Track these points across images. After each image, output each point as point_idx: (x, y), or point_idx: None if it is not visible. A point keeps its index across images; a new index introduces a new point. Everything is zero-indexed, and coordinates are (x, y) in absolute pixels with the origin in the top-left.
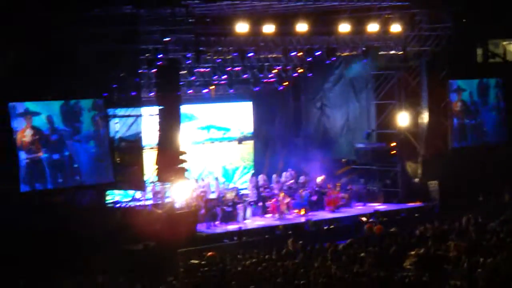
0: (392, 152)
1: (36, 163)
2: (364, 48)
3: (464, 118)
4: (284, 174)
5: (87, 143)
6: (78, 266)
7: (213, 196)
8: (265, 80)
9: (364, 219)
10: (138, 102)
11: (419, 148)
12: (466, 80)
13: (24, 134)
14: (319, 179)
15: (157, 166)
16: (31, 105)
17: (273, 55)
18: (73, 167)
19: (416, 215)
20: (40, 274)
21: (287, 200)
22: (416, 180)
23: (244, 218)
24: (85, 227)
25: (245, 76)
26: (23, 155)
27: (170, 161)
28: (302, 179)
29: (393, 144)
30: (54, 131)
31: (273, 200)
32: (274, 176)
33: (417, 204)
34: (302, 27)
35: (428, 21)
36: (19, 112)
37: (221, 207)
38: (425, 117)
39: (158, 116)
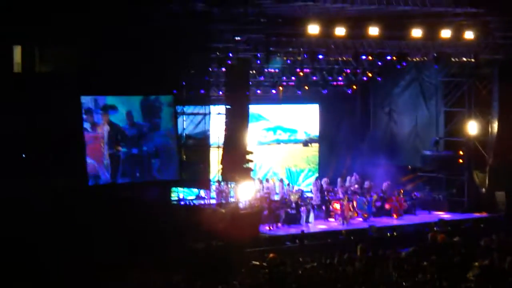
0: (460, 161)
1: (113, 158)
2: (435, 54)
3: None
4: (348, 178)
5: (165, 139)
6: (141, 261)
7: (277, 197)
8: (334, 83)
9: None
10: (206, 100)
11: (487, 158)
12: None
13: (102, 129)
14: (384, 185)
15: (222, 165)
16: (110, 99)
17: (343, 58)
18: (150, 162)
19: (482, 225)
20: (105, 266)
21: (351, 205)
22: (483, 190)
23: (307, 221)
24: (150, 223)
25: (314, 78)
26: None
27: (236, 160)
28: (367, 184)
29: (461, 152)
30: (133, 125)
31: (337, 204)
32: (339, 180)
33: (483, 214)
34: (373, 30)
35: (502, 29)
36: (98, 106)
37: (285, 209)
38: (495, 127)
39: (226, 115)
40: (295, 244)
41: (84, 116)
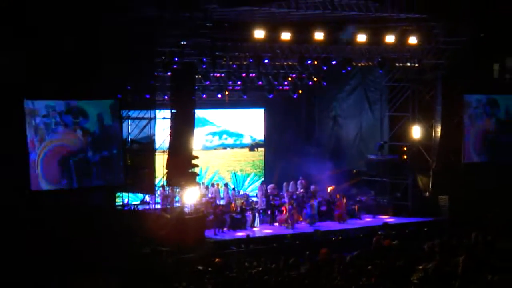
0: (403, 160)
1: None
2: (380, 59)
3: (477, 133)
4: (292, 183)
5: (104, 144)
6: (85, 267)
7: (222, 202)
8: (279, 88)
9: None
10: (152, 105)
11: (431, 162)
12: (481, 95)
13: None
14: (329, 189)
15: (168, 170)
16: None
17: (289, 63)
18: (91, 167)
19: (425, 229)
20: (48, 274)
21: (296, 209)
22: (427, 194)
23: (253, 226)
24: (94, 228)
25: (259, 82)
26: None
27: (181, 165)
28: (312, 188)
29: (405, 156)
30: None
31: (283, 208)
32: (284, 184)
33: (427, 218)
34: (319, 35)
35: (445, 34)
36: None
37: (230, 214)
38: (438, 131)
39: (171, 119)
40: (240, 249)
41: (33, 121)
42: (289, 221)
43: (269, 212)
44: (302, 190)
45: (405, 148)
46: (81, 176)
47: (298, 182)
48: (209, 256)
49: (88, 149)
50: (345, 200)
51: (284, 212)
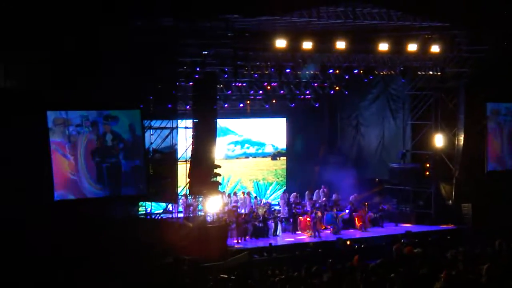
0: (426, 173)
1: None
2: (402, 68)
3: (500, 142)
4: (316, 191)
5: (127, 154)
6: (108, 277)
7: (244, 211)
8: (301, 97)
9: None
10: (174, 115)
11: (454, 170)
12: (505, 104)
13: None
14: (352, 197)
15: (190, 179)
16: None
17: (311, 72)
18: (114, 177)
19: (448, 237)
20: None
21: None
22: (450, 202)
23: (275, 235)
24: (116, 238)
25: (281, 92)
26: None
27: (203, 174)
28: (334, 197)
29: (428, 165)
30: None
31: (305, 217)
32: (306, 193)
33: (450, 226)
34: (340, 44)
35: (468, 43)
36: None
37: (252, 223)
38: (461, 139)
39: (193, 129)
40: (263, 257)
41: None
42: (312, 230)
43: (291, 220)
44: (324, 199)
45: (428, 165)
46: (112, 183)
47: (320, 190)
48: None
49: (121, 157)
50: (367, 209)
51: (307, 220)
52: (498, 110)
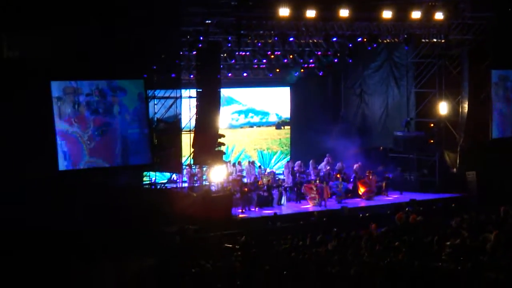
0: (431, 141)
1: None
2: (406, 36)
3: (505, 108)
4: (321, 161)
5: (130, 124)
6: (114, 246)
7: (249, 180)
8: (305, 65)
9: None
10: (177, 84)
11: (458, 138)
12: (509, 71)
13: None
14: (356, 166)
15: (194, 149)
16: (71, 84)
17: (314, 40)
18: (118, 147)
19: (453, 205)
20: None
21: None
22: (454, 170)
23: (280, 204)
24: (121, 207)
25: (285, 60)
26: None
27: (207, 144)
28: (338, 166)
29: (432, 133)
30: (98, 110)
31: (309, 185)
32: (311, 162)
33: (455, 194)
34: (344, 12)
35: (472, 10)
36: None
37: (257, 192)
38: (465, 107)
39: (197, 98)
40: (267, 226)
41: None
42: (319, 198)
43: (295, 189)
44: (328, 167)
45: (432, 125)
46: (119, 152)
47: (325, 159)
48: (237, 234)
49: (128, 127)
50: (372, 177)
51: (310, 189)
52: (506, 76)
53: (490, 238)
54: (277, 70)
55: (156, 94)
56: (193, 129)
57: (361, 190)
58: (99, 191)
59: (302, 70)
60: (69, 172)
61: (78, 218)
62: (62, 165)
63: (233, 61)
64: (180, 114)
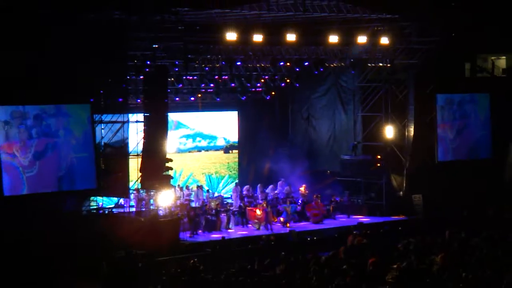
0: (377, 165)
1: (20, 167)
2: (352, 60)
3: (450, 132)
4: (269, 186)
5: (75, 148)
6: (59, 272)
7: (197, 204)
8: (252, 90)
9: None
10: (125, 108)
11: (404, 161)
12: (454, 94)
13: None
14: (302, 188)
15: (142, 173)
16: (18, 108)
17: (261, 65)
18: (64, 172)
19: (400, 228)
20: (21, 279)
21: (271, 210)
22: (401, 193)
23: (227, 228)
24: (68, 233)
25: (232, 85)
26: (7, 159)
27: (155, 168)
28: (286, 189)
29: (379, 156)
30: (44, 134)
31: (257, 209)
32: (259, 186)
33: (401, 217)
34: (291, 37)
35: (417, 34)
36: (6, 116)
37: (205, 216)
38: (411, 130)
39: (144, 123)
40: (215, 251)
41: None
42: (264, 222)
43: (243, 213)
44: (276, 191)
45: (378, 157)
46: (64, 177)
47: (279, 183)
48: (185, 258)
49: (73, 151)
50: (319, 201)
51: (257, 213)
52: (451, 100)
53: (436, 260)
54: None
55: (103, 119)
56: (141, 154)
57: (309, 213)
58: (45, 217)
59: (249, 94)
60: (14, 198)
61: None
62: (7, 190)
63: (181, 85)
64: (128, 138)
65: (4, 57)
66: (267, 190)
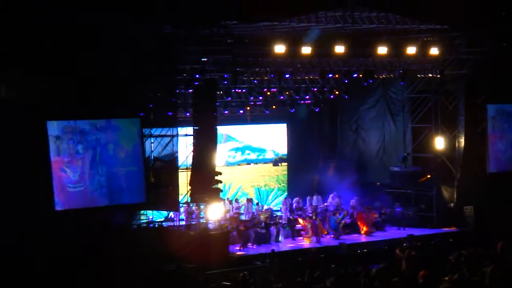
0: (428, 176)
1: (70, 183)
2: (401, 71)
3: (501, 143)
4: (316, 197)
5: (124, 162)
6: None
7: (246, 217)
8: (301, 102)
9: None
10: (174, 122)
11: (455, 173)
12: (505, 105)
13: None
14: (352, 201)
15: (191, 187)
16: (70, 123)
17: (310, 77)
18: (113, 186)
19: (451, 240)
20: None
21: (320, 222)
22: (452, 205)
23: (277, 241)
24: (118, 247)
25: (281, 97)
26: (58, 174)
27: (204, 181)
28: (336, 201)
29: (429, 176)
30: (92, 148)
31: (308, 222)
32: (308, 198)
33: (452, 229)
34: (339, 49)
35: (467, 45)
36: (58, 131)
37: (254, 229)
38: (461, 141)
39: (193, 136)
40: (265, 263)
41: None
42: (314, 235)
43: (293, 226)
44: (326, 204)
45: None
46: (113, 192)
47: (331, 195)
48: (235, 271)
49: (122, 165)
50: (370, 213)
51: (305, 226)
52: (503, 110)
53: (487, 273)
54: (274, 107)
55: (152, 133)
56: (190, 167)
57: (360, 225)
58: (95, 231)
59: (297, 107)
60: (65, 212)
61: (75, 258)
62: (58, 205)
63: (229, 98)
64: (177, 152)
65: (57, 73)
66: (314, 202)
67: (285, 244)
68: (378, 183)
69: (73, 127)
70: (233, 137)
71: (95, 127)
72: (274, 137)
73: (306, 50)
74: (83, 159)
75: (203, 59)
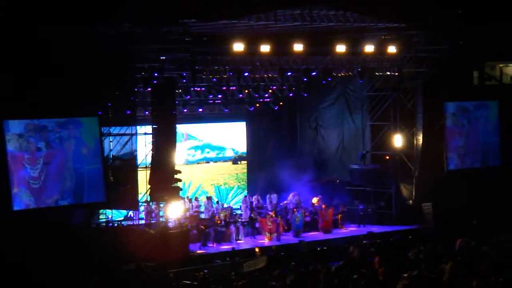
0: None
1: (30, 180)
2: (360, 69)
3: (459, 140)
4: (275, 195)
5: (88, 159)
6: (70, 285)
7: (206, 216)
8: (260, 100)
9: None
10: (133, 121)
11: (413, 170)
12: (462, 102)
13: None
14: (315, 200)
15: (151, 185)
16: (33, 122)
17: (269, 75)
18: (75, 183)
19: (410, 237)
20: None
21: (281, 220)
22: (410, 202)
23: (237, 239)
24: (77, 247)
25: (240, 95)
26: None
27: (164, 180)
28: (296, 199)
29: (387, 165)
30: (53, 145)
31: (268, 220)
32: (267, 196)
33: (411, 226)
34: (298, 47)
35: (425, 43)
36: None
37: (214, 227)
38: (420, 139)
39: (153, 135)
40: (225, 262)
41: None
42: (274, 233)
43: (253, 224)
44: (285, 202)
45: (387, 157)
46: (74, 190)
47: (291, 194)
48: (195, 270)
49: (83, 164)
50: (329, 210)
51: (265, 224)
52: (461, 107)
53: (446, 269)
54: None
55: (111, 131)
56: (149, 166)
57: (320, 223)
58: (54, 230)
59: (257, 105)
60: (23, 212)
61: (32, 258)
62: (15, 204)
63: (188, 96)
64: (136, 150)
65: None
66: (273, 200)
67: (245, 243)
68: (338, 181)
69: (35, 125)
70: (193, 136)
71: (57, 124)
72: (233, 135)
73: (265, 48)
74: (43, 156)
75: (161, 58)
